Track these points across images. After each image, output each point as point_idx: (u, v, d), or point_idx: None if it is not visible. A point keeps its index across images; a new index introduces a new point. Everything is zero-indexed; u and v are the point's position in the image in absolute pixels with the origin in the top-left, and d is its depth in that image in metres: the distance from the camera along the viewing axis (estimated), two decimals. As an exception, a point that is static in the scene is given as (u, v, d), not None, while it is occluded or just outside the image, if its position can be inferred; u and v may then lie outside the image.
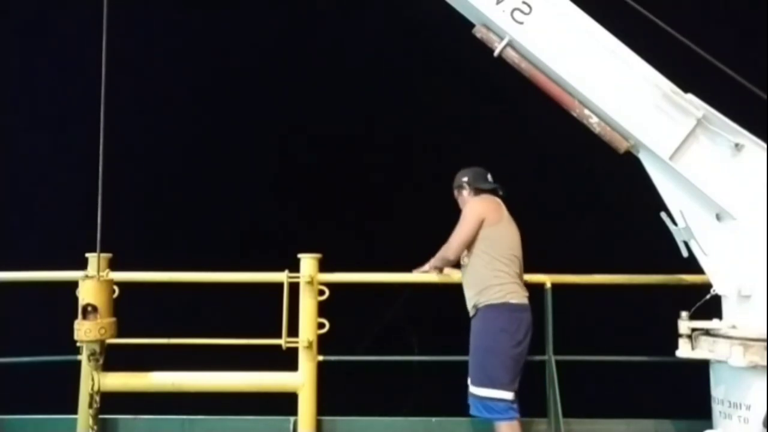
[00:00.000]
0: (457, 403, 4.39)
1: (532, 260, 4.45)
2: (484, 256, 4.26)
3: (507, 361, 4.13)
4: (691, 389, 4.05)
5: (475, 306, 4.28)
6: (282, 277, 4.59)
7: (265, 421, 4.71)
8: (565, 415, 4.46)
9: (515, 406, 4.13)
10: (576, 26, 3.90)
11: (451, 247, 4.36)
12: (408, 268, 4.81)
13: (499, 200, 4.44)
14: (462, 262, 4.42)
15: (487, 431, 4.25)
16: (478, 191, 4.50)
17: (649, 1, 3.93)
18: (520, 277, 4.33)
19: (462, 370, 4.31)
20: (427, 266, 4.64)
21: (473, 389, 4.19)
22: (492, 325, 4.19)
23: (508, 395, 4.10)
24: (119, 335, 4.08)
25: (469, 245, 4.31)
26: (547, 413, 4.57)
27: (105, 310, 3.94)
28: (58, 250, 4.84)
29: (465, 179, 4.57)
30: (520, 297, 4.26)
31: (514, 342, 4.16)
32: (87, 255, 4.46)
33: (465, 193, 4.57)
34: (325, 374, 4.62)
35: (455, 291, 4.45)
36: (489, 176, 4.57)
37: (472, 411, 4.22)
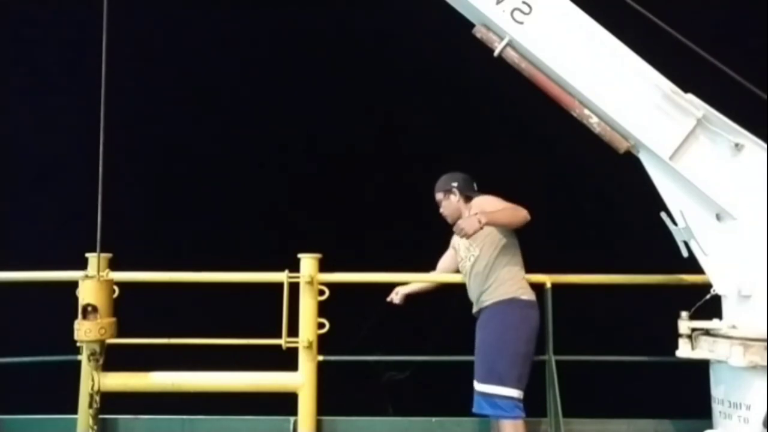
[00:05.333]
0: (457, 403, 4.39)
1: (532, 260, 4.45)
2: (498, 251, 4.26)
3: (515, 358, 4.11)
4: (691, 389, 4.05)
5: (483, 301, 4.27)
6: (282, 277, 4.59)
7: (265, 421, 4.71)
8: (565, 415, 4.46)
9: (521, 405, 4.10)
10: (576, 26, 3.89)
11: (521, 210, 4.12)
12: (408, 268, 4.80)
13: None
14: (470, 256, 4.39)
15: (487, 431, 4.25)
16: (468, 199, 4.49)
17: (648, 0, 3.93)
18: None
19: (462, 370, 4.31)
20: (476, 220, 4.03)
21: (479, 386, 4.16)
22: (501, 321, 4.19)
23: (515, 393, 4.08)
24: (119, 335, 4.08)
25: (481, 238, 4.26)
26: (547, 413, 4.56)
27: (105, 310, 3.94)
28: (58, 250, 4.84)
29: (455, 184, 4.54)
30: (530, 294, 4.27)
31: (524, 339, 4.16)
32: (87, 255, 4.47)
33: (453, 198, 4.53)
34: (325, 374, 4.63)
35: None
36: (474, 185, 4.58)
37: (475, 409, 4.18)
